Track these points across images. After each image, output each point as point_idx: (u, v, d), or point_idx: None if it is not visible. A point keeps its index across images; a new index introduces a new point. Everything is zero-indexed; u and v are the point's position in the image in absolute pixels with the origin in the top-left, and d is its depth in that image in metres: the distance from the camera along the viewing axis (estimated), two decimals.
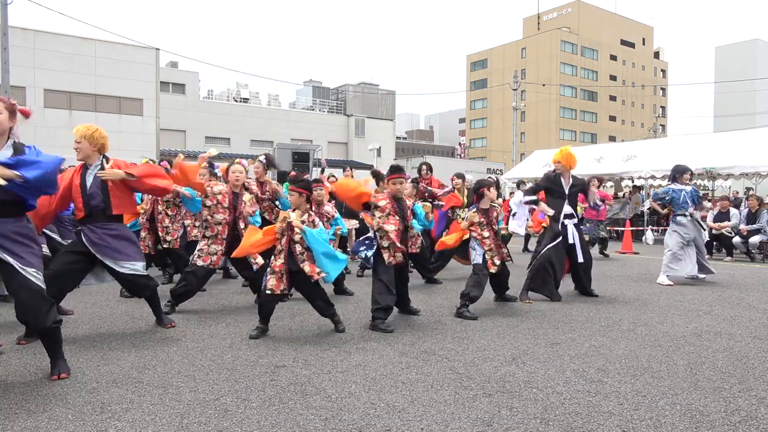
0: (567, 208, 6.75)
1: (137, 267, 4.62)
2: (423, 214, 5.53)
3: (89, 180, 4.44)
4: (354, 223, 9.82)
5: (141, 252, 4.78)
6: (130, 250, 4.60)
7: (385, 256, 5.15)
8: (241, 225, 5.68)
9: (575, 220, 6.79)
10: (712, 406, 3.18)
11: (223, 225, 5.62)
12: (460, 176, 8.87)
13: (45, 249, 5.71)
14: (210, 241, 5.61)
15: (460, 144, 66.03)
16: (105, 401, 3.21)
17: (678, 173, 8.17)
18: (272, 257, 4.80)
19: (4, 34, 16.19)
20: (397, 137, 59.34)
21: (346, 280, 7.13)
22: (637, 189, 17.86)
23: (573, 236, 6.68)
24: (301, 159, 22.39)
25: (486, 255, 5.85)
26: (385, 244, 5.16)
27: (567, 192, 6.77)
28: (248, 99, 41.21)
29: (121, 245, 4.54)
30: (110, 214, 4.49)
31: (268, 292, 4.67)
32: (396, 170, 5.31)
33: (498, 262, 5.91)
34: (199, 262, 5.57)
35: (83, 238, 4.46)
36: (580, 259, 6.69)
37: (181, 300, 5.60)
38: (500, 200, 10.40)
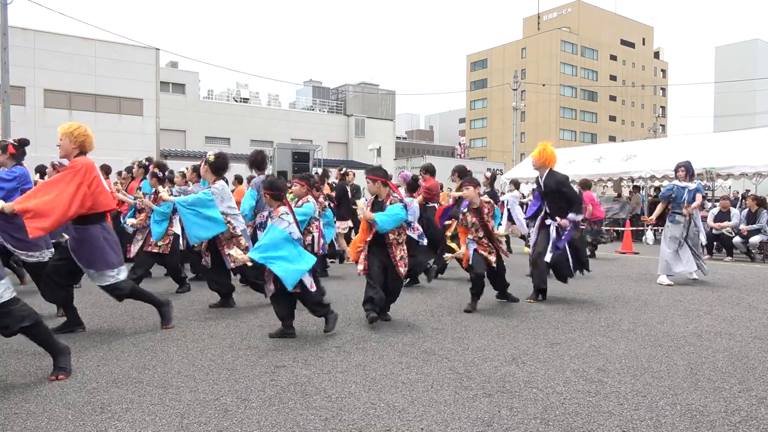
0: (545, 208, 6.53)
1: (105, 279, 4.55)
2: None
3: None
4: (345, 226, 9.79)
5: (107, 258, 4.53)
6: (94, 258, 4.46)
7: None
8: None
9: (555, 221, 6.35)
10: (712, 406, 3.18)
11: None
12: (457, 171, 8.05)
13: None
14: None
15: (460, 144, 66.02)
16: (105, 401, 3.21)
17: (674, 170, 8.20)
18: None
19: (4, 34, 16.18)
20: (397, 137, 59.32)
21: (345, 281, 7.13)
22: (637, 189, 17.85)
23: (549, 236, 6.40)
24: (301, 159, 22.38)
25: (478, 252, 5.82)
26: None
27: (543, 190, 6.49)
28: (248, 99, 41.19)
29: (85, 252, 4.44)
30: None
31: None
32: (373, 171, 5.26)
33: (494, 258, 5.90)
34: None
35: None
36: (547, 258, 6.32)
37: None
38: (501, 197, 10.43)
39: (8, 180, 5.28)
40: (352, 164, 28.74)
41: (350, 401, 3.24)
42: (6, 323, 3.42)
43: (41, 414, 3.03)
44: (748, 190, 17.75)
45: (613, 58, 72.53)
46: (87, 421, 2.94)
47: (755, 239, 11.35)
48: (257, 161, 7.14)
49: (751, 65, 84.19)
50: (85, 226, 4.42)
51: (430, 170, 8.83)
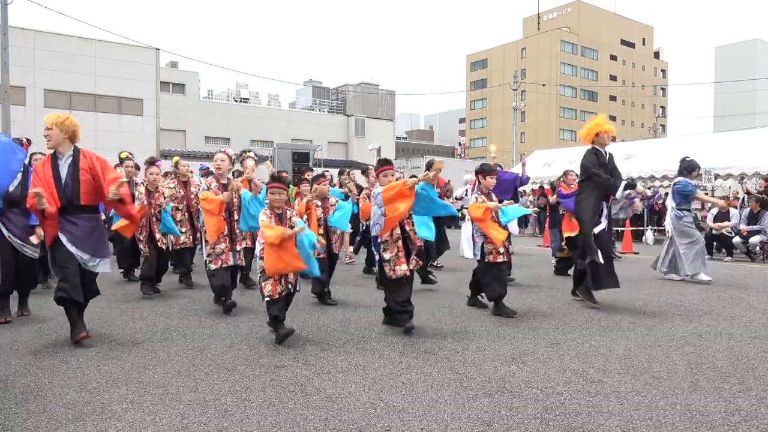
0: None
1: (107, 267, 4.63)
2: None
3: (63, 170, 4.35)
4: None
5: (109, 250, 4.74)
6: (106, 247, 4.60)
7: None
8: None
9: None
10: (712, 406, 3.18)
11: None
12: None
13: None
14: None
15: (460, 144, 65.96)
16: (105, 401, 3.21)
17: (688, 170, 8.20)
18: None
19: (4, 34, 16.17)
20: (397, 137, 59.29)
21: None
22: None
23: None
24: (301, 159, 22.40)
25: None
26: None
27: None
28: (248, 99, 41.19)
29: (99, 241, 4.52)
30: (79, 205, 4.40)
31: (267, 299, 4.47)
32: (385, 162, 5.12)
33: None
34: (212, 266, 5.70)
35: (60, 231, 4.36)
36: None
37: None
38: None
39: None
40: (352, 164, 28.73)
41: (350, 401, 3.24)
42: None
43: (41, 414, 3.03)
44: (747, 191, 17.68)
45: (613, 58, 72.52)
46: (87, 421, 2.94)
47: (755, 239, 11.35)
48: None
49: (751, 65, 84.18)
50: (92, 215, 4.57)
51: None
